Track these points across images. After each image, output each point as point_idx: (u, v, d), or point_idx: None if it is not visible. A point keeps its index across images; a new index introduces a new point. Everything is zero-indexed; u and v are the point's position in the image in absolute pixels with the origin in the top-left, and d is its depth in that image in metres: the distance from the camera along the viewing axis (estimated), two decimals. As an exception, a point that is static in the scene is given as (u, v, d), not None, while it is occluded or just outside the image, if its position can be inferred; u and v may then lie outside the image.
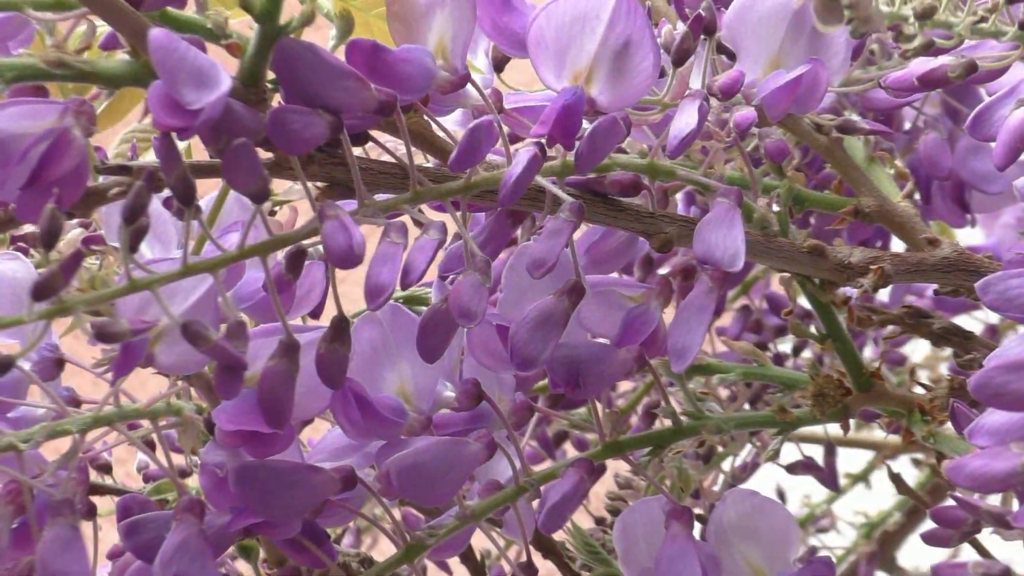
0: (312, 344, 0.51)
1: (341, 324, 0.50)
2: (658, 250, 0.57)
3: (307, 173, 0.51)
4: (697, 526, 0.59)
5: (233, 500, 0.52)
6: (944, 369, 0.98)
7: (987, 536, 0.56)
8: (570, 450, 0.84)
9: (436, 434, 0.55)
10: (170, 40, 0.46)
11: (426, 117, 0.55)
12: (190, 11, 0.52)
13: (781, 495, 1.03)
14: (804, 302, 0.63)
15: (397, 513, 0.69)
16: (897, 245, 0.68)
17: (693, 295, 0.56)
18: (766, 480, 0.90)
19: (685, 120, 0.53)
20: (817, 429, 0.88)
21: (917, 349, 0.99)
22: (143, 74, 0.48)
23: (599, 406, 0.58)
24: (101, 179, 0.50)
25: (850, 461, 1.01)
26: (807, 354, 0.88)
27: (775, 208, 0.60)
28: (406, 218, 0.52)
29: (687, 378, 0.62)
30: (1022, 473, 0.47)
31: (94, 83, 0.49)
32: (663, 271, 0.64)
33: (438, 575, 0.75)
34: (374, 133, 0.53)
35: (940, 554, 1.02)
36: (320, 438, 0.57)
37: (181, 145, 0.48)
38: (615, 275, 0.62)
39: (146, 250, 0.56)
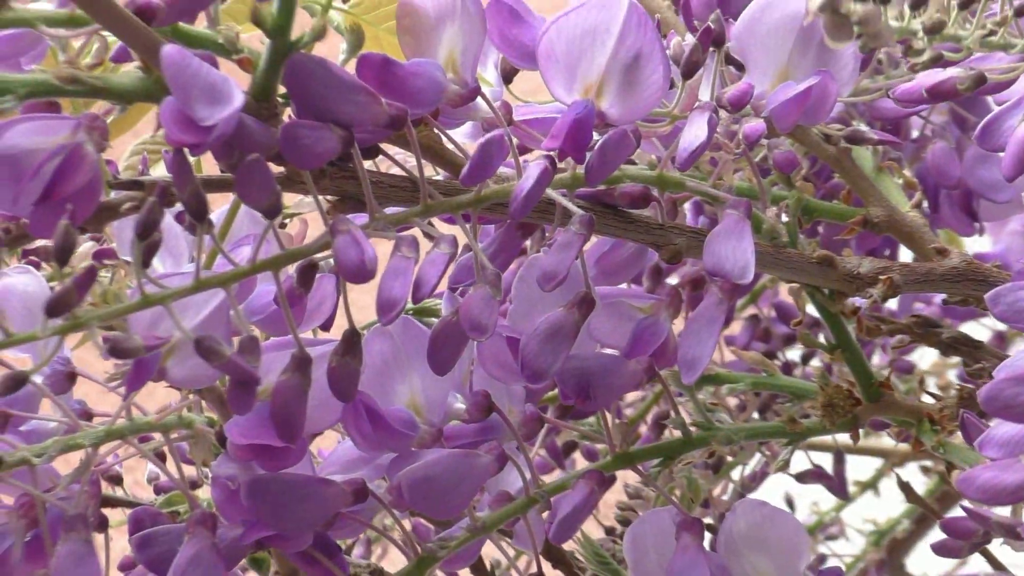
0: (324, 357, 0.51)
1: (352, 338, 0.50)
2: (668, 261, 0.57)
3: (319, 187, 0.51)
4: (707, 535, 0.59)
5: (245, 513, 0.53)
6: (952, 376, 0.98)
7: (997, 546, 0.57)
8: (580, 459, 0.84)
9: (447, 446, 0.55)
10: (183, 56, 0.46)
11: (436, 130, 0.55)
12: (202, 26, 0.52)
13: (790, 503, 1.03)
14: (813, 311, 0.63)
15: (408, 524, 0.69)
16: (905, 254, 0.68)
17: (703, 307, 0.56)
18: (775, 488, 0.90)
19: (694, 133, 0.53)
20: (826, 437, 0.87)
21: (925, 356, 0.99)
22: (156, 90, 0.48)
23: (609, 417, 0.58)
24: (113, 194, 0.51)
25: (859, 468, 1.01)
26: (816, 362, 0.88)
27: (784, 219, 0.60)
28: (417, 231, 0.52)
29: (696, 388, 0.62)
30: (1033, 485, 0.47)
31: (107, 99, 0.49)
32: (672, 280, 0.65)
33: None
34: (385, 146, 0.53)
35: (949, 562, 1.02)
36: (331, 450, 0.58)
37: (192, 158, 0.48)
38: (624, 286, 0.63)
39: (158, 264, 0.56)
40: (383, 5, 0.59)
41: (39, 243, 0.58)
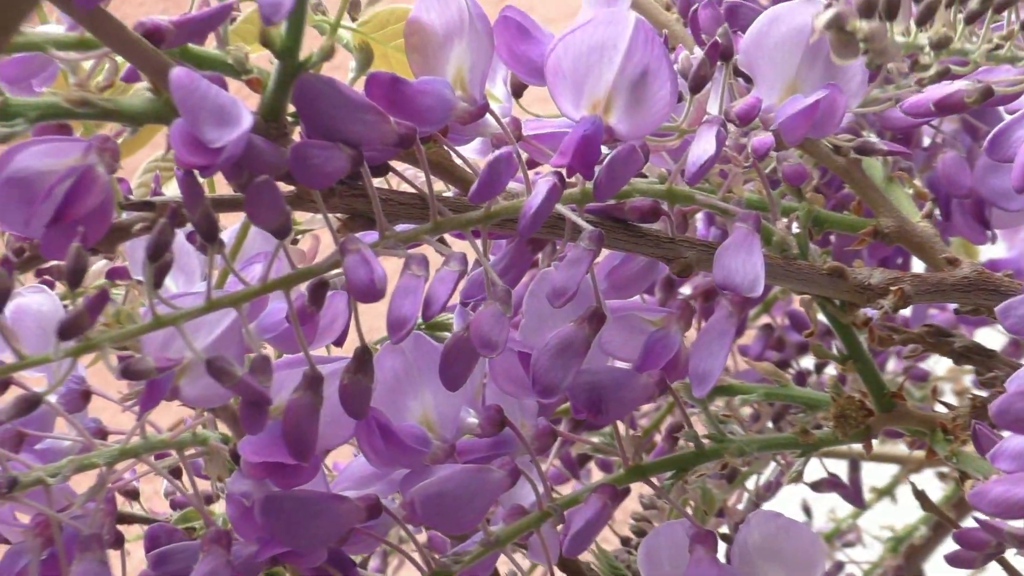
0: (335, 375, 0.51)
1: (364, 355, 0.51)
2: (678, 275, 0.57)
3: (328, 205, 0.51)
4: (723, 545, 0.59)
5: (259, 530, 0.53)
6: (968, 381, 0.98)
7: (1011, 555, 0.57)
8: (595, 470, 0.85)
9: (460, 461, 0.56)
10: (191, 79, 0.46)
11: (446, 147, 0.55)
12: (211, 46, 0.52)
13: (807, 510, 1.03)
14: (826, 320, 0.64)
15: (423, 536, 0.70)
16: (918, 264, 0.68)
17: (713, 320, 0.56)
18: (792, 495, 0.90)
19: (703, 147, 0.53)
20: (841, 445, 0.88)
21: (941, 361, 0.99)
22: (165, 111, 0.49)
23: (621, 430, 0.59)
24: (125, 214, 0.51)
25: (875, 475, 1.01)
26: (831, 370, 0.88)
27: (794, 230, 0.60)
28: (427, 248, 0.52)
29: (709, 400, 0.62)
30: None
31: (117, 121, 0.49)
32: (685, 290, 0.65)
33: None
34: (394, 163, 0.53)
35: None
36: (345, 466, 0.58)
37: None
38: (637, 297, 0.63)
39: (170, 282, 0.56)
40: (391, 23, 0.59)
41: (53, 262, 0.59)
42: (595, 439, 0.74)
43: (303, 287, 0.52)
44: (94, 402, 0.58)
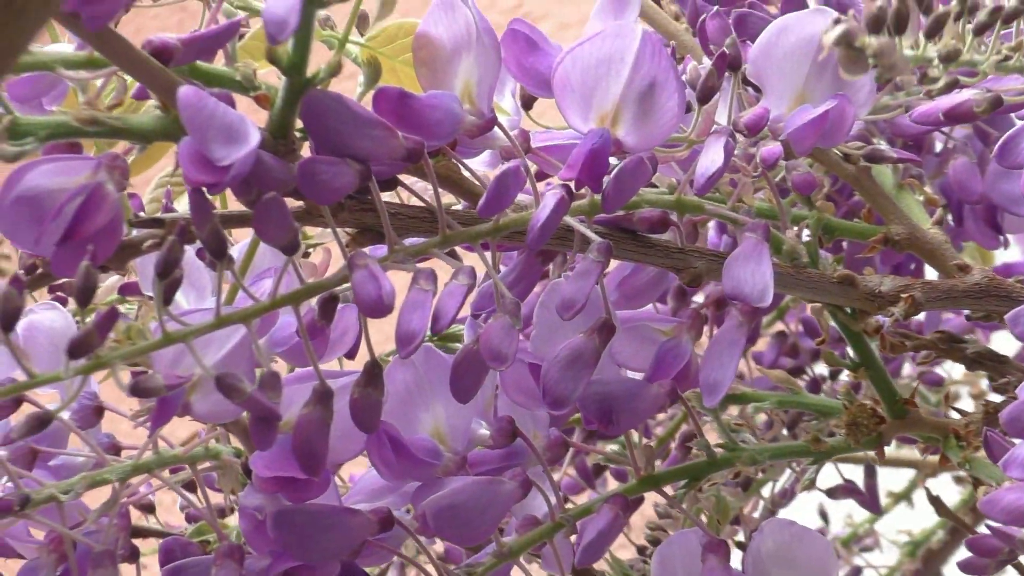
0: (346, 389, 0.51)
1: (374, 369, 0.51)
2: (688, 284, 0.57)
3: (338, 220, 0.51)
4: (740, 554, 0.59)
5: (272, 544, 0.53)
6: (985, 385, 0.98)
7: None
8: (611, 479, 0.85)
9: (471, 473, 0.56)
10: (199, 97, 0.46)
11: (454, 160, 0.55)
12: (219, 63, 0.52)
13: (824, 516, 1.03)
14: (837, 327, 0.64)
15: (439, 547, 0.70)
16: (931, 270, 0.68)
17: (724, 329, 0.57)
18: (809, 501, 0.90)
19: (711, 158, 0.54)
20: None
21: (958, 366, 0.99)
22: (174, 129, 0.49)
23: (634, 439, 0.59)
24: (135, 232, 0.51)
25: (892, 479, 1.01)
26: (845, 377, 0.88)
27: (805, 238, 0.61)
28: (436, 262, 0.52)
29: (722, 408, 0.62)
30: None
31: (126, 139, 0.49)
32: (697, 299, 0.65)
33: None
34: (403, 177, 0.54)
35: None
36: (358, 478, 0.58)
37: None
38: (650, 307, 0.63)
39: (181, 298, 0.56)
40: (399, 38, 0.59)
41: (65, 280, 0.59)
42: (614, 447, 0.74)
43: (313, 302, 0.52)
44: (110, 417, 0.58)
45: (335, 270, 0.51)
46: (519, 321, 0.51)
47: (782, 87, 0.56)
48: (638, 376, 0.58)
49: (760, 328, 0.84)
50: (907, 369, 0.94)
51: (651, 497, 0.60)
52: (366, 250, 0.50)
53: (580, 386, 0.53)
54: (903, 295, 0.59)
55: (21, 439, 0.47)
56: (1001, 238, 0.75)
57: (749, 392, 0.67)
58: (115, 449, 0.58)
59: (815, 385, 0.84)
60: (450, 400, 0.54)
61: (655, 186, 0.59)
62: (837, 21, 0.46)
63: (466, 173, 0.56)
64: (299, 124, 0.50)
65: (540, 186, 0.54)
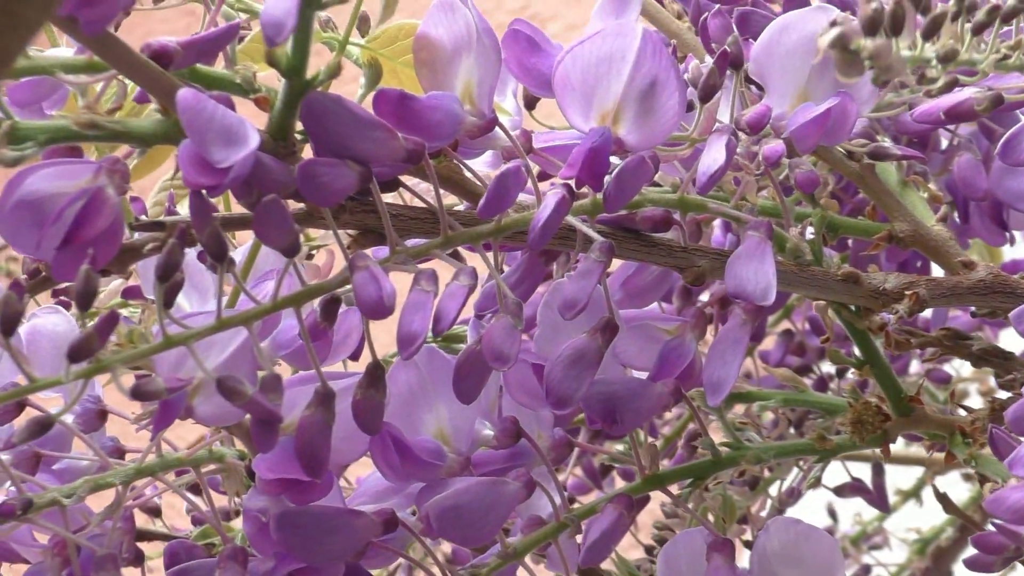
0: (348, 391, 0.51)
1: (376, 371, 0.51)
2: (691, 283, 0.57)
3: (339, 222, 0.51)
4: (747, 553, 0.59)
5: (276, 546, 0.53)
6: (994, 382, 0.97)
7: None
8: (618, 479, 0.84)
9: (475, 473, 0.56)
10: (198, 100, 0.46)
11: (456, 161, 0.55)
12: (220, 66, 0.52)
13: (833, 514, 1.03)
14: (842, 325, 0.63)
15: (446, 548, 0.70)
16: (937, 267, 0.68)
17: (727, 328, 0.56)
18: (817, 500, 0.90)
19: (713, 156, 0.54)
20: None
21: (967, 363, 0.98)
22: (174, 132, 0.49)
23: (639, 438, 0.59)
24: (136, 235, 0.51)
25: (901, 477, 1.01)
26: (852, 374, 0.87)
27: (809, 236, 0.60)
28: (439, 263, 0.52)
29: (727, 407, 0.62)
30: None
31: (126, 143, 0.49)
32: (703, 297, 0.65)
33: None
34: (405, 178, 0.54)
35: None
36: (362, 480, 0.58)
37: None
38: (655, 305, 0.63)
39: (183, 300, 0.56)
40: (400, 39, 0.59)
41: (68, 283, 0.59)
42: (620, 447, 0.74)
43: (316, 303, 0.52)
44: (116, 420, 0.58)
45: (338, 271, 0.51)
46: (521, 321, 0.51)
47: (784, 85, 0.56)
48: (642, 375, 0.58)
49: (765, 326, 0.84)
50: (915, 367, 0.94)
51: (661, 497, 0.60)
52: (368, 251, 0.51)
53: (583, 386, 0.53)
54: (907, 292, 0.59)
55: (23, 443, 0.47)
56: (1007, 235, 0.74)
57: (755, 391, 0.67)
58: (119, 453, 0.58)
59: (822, 383, 0.84)
60: (453, 401, 0.54)
61: (658, 185, 0.59)
62: (833, 23, 0.46)
63: (468, 174, 0.55)
64: (300, 127, 0.50)
65: (544, 186, 0.54)
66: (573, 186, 0.52)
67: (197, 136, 0.46)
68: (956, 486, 0.97)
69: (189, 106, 0.46)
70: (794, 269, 0.59)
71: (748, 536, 0.72)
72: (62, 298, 0.60)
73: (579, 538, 0.57)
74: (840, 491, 0.83)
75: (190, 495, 0.59)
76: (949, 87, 0.52)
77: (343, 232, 0.52)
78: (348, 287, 0.50)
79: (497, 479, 0.54)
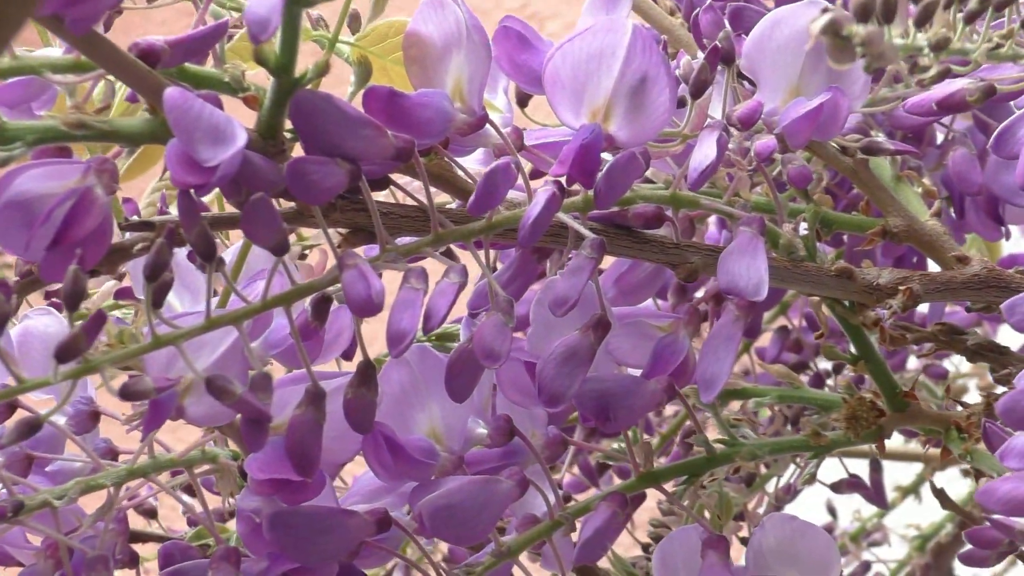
0: (339, 390, 0.51)
1: (367, 370, 0.51)
2: (684, 280, 0.57)
3: (329, 220, 0.51)
4: (744, 549, 0.59)
5: (269, 546, 0.53)
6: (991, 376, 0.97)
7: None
8: (615, 477, 0.84)
9: (469, 472, 0.56)
10: (185, 99, 0.46)
11: (446, 159, 0.55)
12: (208, 65, 0.52)
13: (832, 511, 1.03)
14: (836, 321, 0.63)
15: (443, 547, 0.70)
16: (933, 262, 0.68)
17: (720, 325, 0.56)
18: (816, 496, 0.90)
19: (704, 152, 0.53)
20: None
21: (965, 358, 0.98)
22: (162, 131, 0.48)
23: (633, 435, 0.58)
24: (126, 235, 0.51)
25: (899, 473, 1.01)
26: (850, 371, 0.87)
27: (803, 231, 0.60)
28: (431, 261, 0.52)
29: (723, 404, 0.62)
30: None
31: (114, 142, 0.49)
32: (698, 294, 0.65)
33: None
34: (396, 177, 0.53)
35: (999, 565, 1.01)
36: (355, 479, 0.58)
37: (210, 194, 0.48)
38: (650, 302, 0.63)
39: (175, 300, 0.56)
40: (390, 36, 0.59)
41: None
42: (615, 445, 0.74)
43: (307, 303, 0.52)
44: (112, 422, 0.58)
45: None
46: (512, 319, 0.51)
47: (776, 80, 0.56)
48: (636, 373, 0.57)
49: (760, 323, 0.84)
50: (912, 363, 0.94)
51: (659, 494, 0.60)
52: (359, 250, 0.50)
53: (576, 383, 0.53)
54: (901, 287, 0.59)
55: (11, 444, 0.47)
56: (1003, 229, 0.74)
57: (750, 387, 0.67)
58: (112, 454, 0.58)
59: (819, 380, 0.84)
60: (446, 400, 0.54)
61: (651, 181, 0.59)
62: (825, 10, 0.46)
63: (459, 171, 0.55)
64: (289, 125, 0.50)
65: (536, 183, 0.53)
66: (564, 183, 0.52)
67: (184, 135, 0.46)
68: (955, 482, 0.97)
69: (176, 105, 0.46)
70: (787, 265, 0.59)
71: (745, 533, 0.71)
72: (54, 299, 0.60)
73: (574, 536, 0.57)
74: (837, 487, 0.83)
75: (184, 496, 0.59)
76: (941, 76, 0.51)
77: (334, 231, 0.52)
78: (338, 286, 0.49)
79: (490, 478, 0.54)
